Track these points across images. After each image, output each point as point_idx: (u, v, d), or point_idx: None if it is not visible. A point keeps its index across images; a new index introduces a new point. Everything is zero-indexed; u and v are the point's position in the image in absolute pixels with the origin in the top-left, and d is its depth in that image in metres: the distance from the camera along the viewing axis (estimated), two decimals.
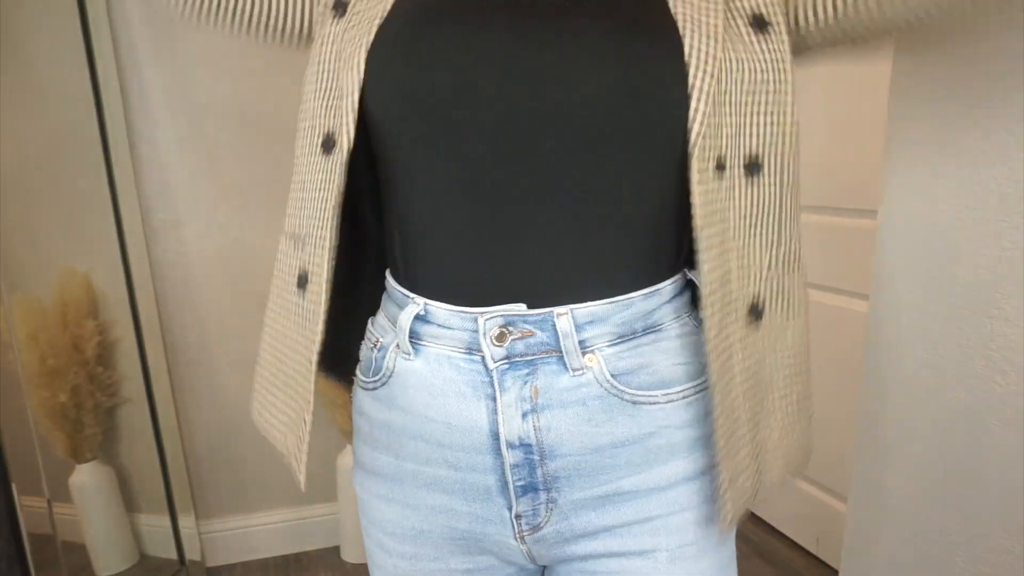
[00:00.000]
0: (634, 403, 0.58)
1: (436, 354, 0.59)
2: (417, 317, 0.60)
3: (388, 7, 0.58)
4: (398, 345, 0.62)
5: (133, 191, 1.67)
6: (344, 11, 0.61)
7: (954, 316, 1.04)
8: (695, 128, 0.53)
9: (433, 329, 0.59)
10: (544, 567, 0.68)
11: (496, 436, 0.58)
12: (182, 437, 1.83)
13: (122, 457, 1.74)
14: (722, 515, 0.60)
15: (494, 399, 0.58)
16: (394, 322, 0.62)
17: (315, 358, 0.63)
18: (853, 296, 1.75)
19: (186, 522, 1.81)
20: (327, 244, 0.63)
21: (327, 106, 0.60)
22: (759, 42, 0.57)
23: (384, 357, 0.63)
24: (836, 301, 1.80)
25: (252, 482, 1.94)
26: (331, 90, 0.60)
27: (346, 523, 1.94)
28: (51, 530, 1.46)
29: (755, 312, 0.60)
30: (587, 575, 0.62)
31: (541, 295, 0.57)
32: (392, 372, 0.63)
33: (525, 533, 0.62)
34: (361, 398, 0.68)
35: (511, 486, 0.60)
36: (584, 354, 0.57)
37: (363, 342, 0.69)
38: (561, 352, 0.57)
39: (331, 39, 0.61)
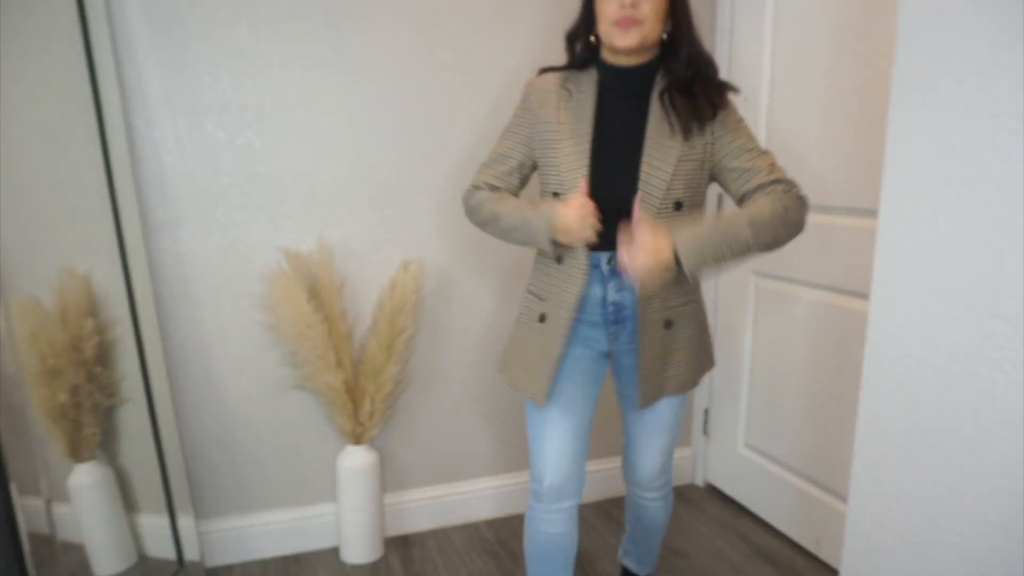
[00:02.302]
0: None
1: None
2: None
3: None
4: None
5: (132, 191, 1.67)
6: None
7: (954, 316, 1.04)
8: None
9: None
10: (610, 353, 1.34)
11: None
12: (181, 437, 1.83)
13: (121, 457, 1.74)
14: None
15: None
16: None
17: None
18: (853, 296, 1.75)
19: (185, 522, 1.81)
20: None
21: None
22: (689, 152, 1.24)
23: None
24: (836, 301, 1.80)
25: (252, 482, 1.94)
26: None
27: (346, 523, 1.94)
28: (50, 530, 1.46)
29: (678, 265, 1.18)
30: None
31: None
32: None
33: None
34: None
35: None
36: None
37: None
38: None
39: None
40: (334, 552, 2.00)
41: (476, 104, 1.94)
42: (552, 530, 1.35)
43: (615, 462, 2.26)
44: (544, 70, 1.33)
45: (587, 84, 1.25)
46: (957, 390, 1.04)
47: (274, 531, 1.97)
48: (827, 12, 1.76)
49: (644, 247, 1.11)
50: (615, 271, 1.23)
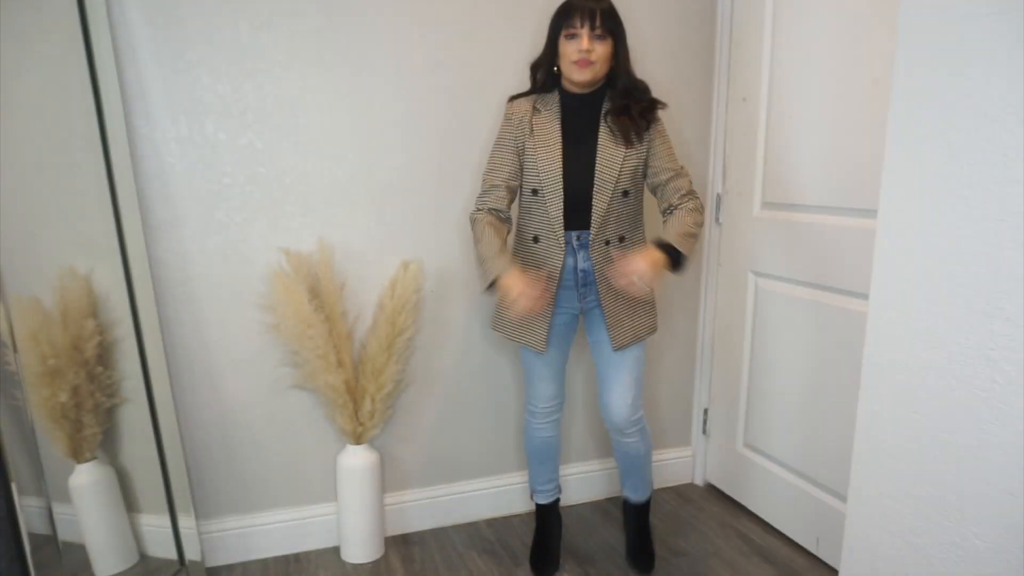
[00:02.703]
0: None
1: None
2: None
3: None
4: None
5: (133, 191, 1.67)
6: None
7: (954, 316, 1.04)
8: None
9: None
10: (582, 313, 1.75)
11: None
12: (182, 437, 1.84)
13: (122, 457, 1.74)
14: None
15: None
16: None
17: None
18: (853, 296, 1.75)
19: (186, 522, 1.81)
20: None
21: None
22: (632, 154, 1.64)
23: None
24: (836, 301, 1.81)
25: (252, 482, 1.94)
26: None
27: (346, 523, 1.94)
28: (51, 530, 1.46)
29: (620, 241, 1.65)
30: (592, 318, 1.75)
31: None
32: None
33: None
34: None
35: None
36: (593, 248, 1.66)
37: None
38: (592, 246, 1.64)
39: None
40: (334, 551, 2.00)
41: (476, 104, 1.94)
42: (545, 435, 1.86)
43: (611, 463, 2.27)
44: (514, 97, 1.70)
45: (552, 104, 1.65)
46: (956, 390, 1.05)
47: (275, 531, 1.97)
48: (827, 13, 1.76)
49: (634, 259, 1.53)
50: (584, 245, 1.65)
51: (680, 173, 1.68)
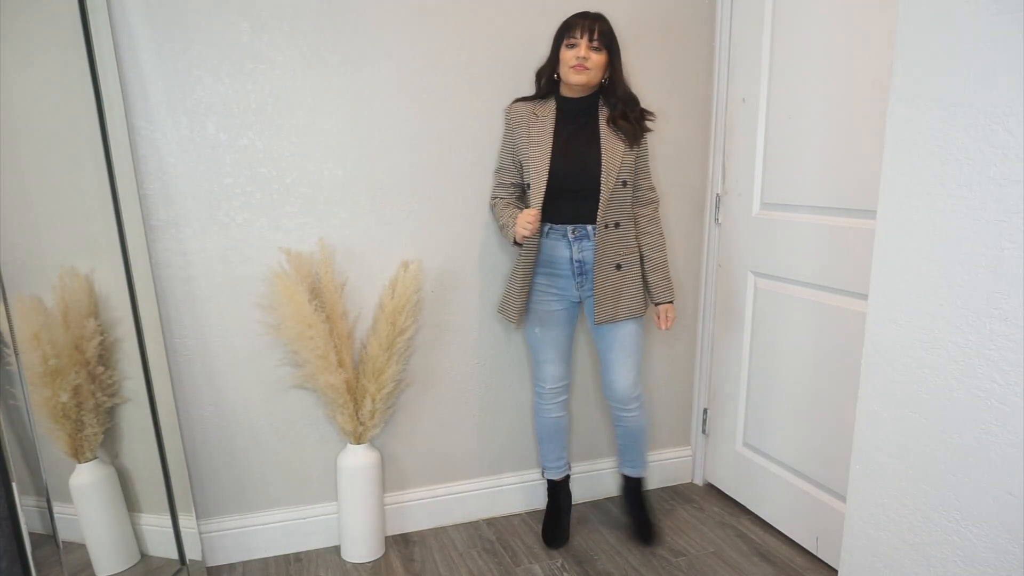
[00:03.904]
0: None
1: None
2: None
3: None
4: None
5: (134, 191, 1.68)
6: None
7: (953, 316, 1.04)
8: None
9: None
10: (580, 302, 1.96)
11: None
12: (183, 437, 1.84)
13: (123, 457, 1.74)
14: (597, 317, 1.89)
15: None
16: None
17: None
18: (853, 296, 1.75)
19: (187, 522, 1.82)
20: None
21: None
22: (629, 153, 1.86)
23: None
24: (836, 301, 1.81)
25: (252, 482, 1.94)
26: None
27: (346, 522, 1.95)
28: (52, 530, 1.46)
29: (616, 226, 1.85)
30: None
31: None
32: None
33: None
34: None
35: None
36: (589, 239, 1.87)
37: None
38: (590, 237, 1.85)
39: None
40: (335, 551, 2.00)
41: (477, 105, 1.95)
42: (554, 415, 2.02)
43: (612, 463, 2.27)
44: (517, 100, 1.90)
45: (548, 110, 1.85)
46: (955, 390, 1.05)
47: (275, 530, 1.98)
48: (826, 13, 1.76)
49: (664, 321, 1.96)
50: (579, 237, 1.85)
51: (652, 188, 1.97)
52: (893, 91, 1.10)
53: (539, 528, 2.11)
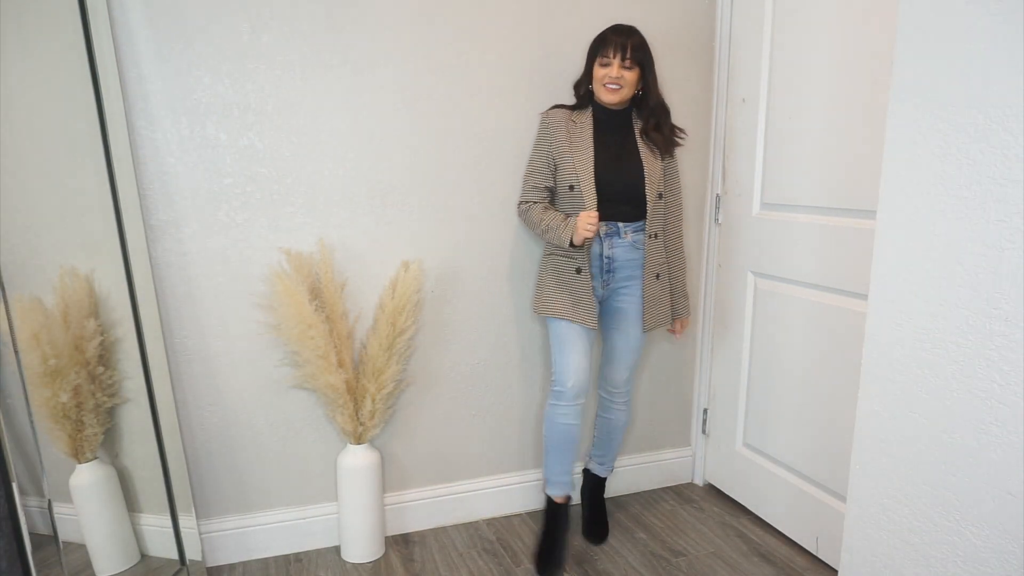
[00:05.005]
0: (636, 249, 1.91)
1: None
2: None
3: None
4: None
5: (134, 191, 1.68)
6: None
7: (953, 316, 1.04)
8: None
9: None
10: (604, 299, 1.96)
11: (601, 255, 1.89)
12: (183, 437, 1.84)
13: (123, 457, 1.74)
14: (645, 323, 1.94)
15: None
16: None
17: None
18: (853, 296, 1.75)
19: (187, 522, 1.82)
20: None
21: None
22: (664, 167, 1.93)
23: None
24: (836, 301, 1.81)
25: (253, 481, 1.94)
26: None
27: (346, 522, 1.95)
28: (52, 530, 1.46)
29: (655, 236, 1.89)
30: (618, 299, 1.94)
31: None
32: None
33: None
34: None
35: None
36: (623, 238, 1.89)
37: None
38: (621, 235, 1.88)
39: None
40: (335, 551, 2.01)
41: (477, 105, 1.95)
42: (568, 421, 1.89)
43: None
44: (555, 106, 1.91)
45: (586, 118, 1.87)
46: (955, 390, 1.05)
47: (275, 530, 1.98)
48: (826, 13, 1.76)
49: (682, 330, 2.07)
50: (609, 234, 1.86)
51: (680, 205, 2.01)
52: (893, 91, 1.10)
53: (539, 529, 2.11)
